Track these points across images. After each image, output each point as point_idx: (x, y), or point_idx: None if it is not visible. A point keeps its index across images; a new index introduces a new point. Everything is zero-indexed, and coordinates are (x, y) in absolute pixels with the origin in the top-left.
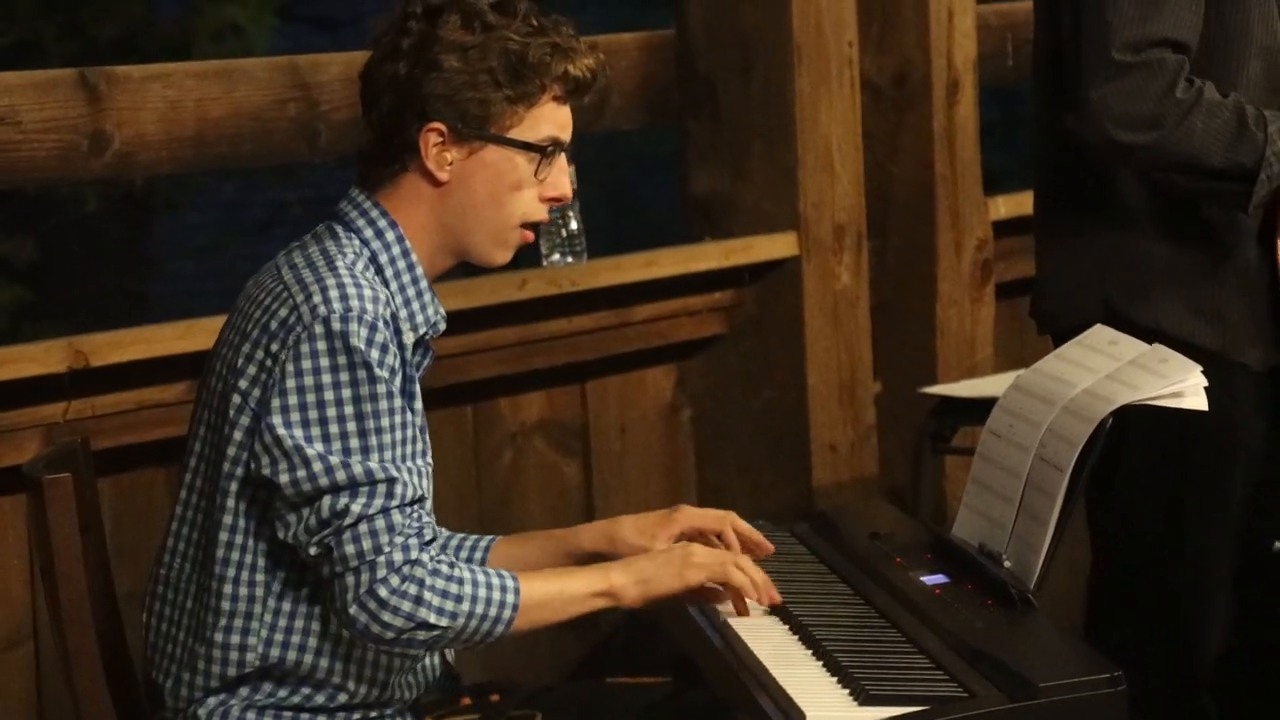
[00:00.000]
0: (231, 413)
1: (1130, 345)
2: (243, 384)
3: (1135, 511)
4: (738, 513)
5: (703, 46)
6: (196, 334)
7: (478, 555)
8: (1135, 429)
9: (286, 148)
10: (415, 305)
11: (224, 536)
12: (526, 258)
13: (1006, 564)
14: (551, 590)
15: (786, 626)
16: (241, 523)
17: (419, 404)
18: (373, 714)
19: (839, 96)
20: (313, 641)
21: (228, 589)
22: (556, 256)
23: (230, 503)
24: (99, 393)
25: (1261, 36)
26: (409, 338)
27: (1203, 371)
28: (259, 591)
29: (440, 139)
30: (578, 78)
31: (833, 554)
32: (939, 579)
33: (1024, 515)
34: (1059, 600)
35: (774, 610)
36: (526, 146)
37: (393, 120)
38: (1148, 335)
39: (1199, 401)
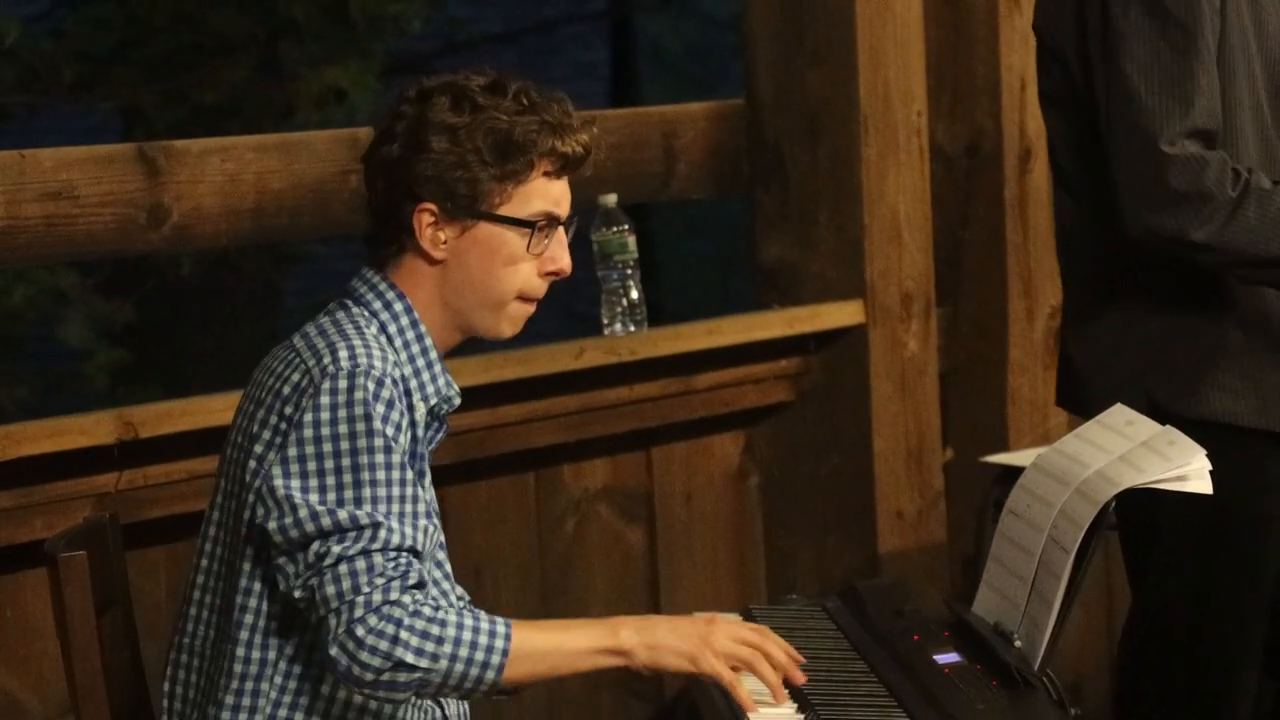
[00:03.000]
0: (248, 478)
1: (1145, 426)
2: (258, 449)
3: (1167, 585)
4: (804, 580)
5: (771, 116)
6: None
7: None
8: (1171, 503)
9: (347, 220)
10: (425, 375)
11: (240, 600)
12: (586, 328)
13: (1017, 644)
14: (551, 641)
15: (795, 705)
16: (257, 585)
17: (428, 480)
18: None
19: (907, 165)
20: (320, 705)
21: (240, 651)
22: (618, 326)
23: (247, 566)
24: (150, 463)
25: (1252, 110)
26: (420, 408)
27: (1239, 448)
28: (271, 655)
29: (433, 219)
30: (567, 154)
31: (858, 630)
32: (951, 658)
33: (1035, 595)
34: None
35: (788, 686)
36: (516, 223)
37: (388, 202)
38: (1193, 426)
39: (1203, 485)
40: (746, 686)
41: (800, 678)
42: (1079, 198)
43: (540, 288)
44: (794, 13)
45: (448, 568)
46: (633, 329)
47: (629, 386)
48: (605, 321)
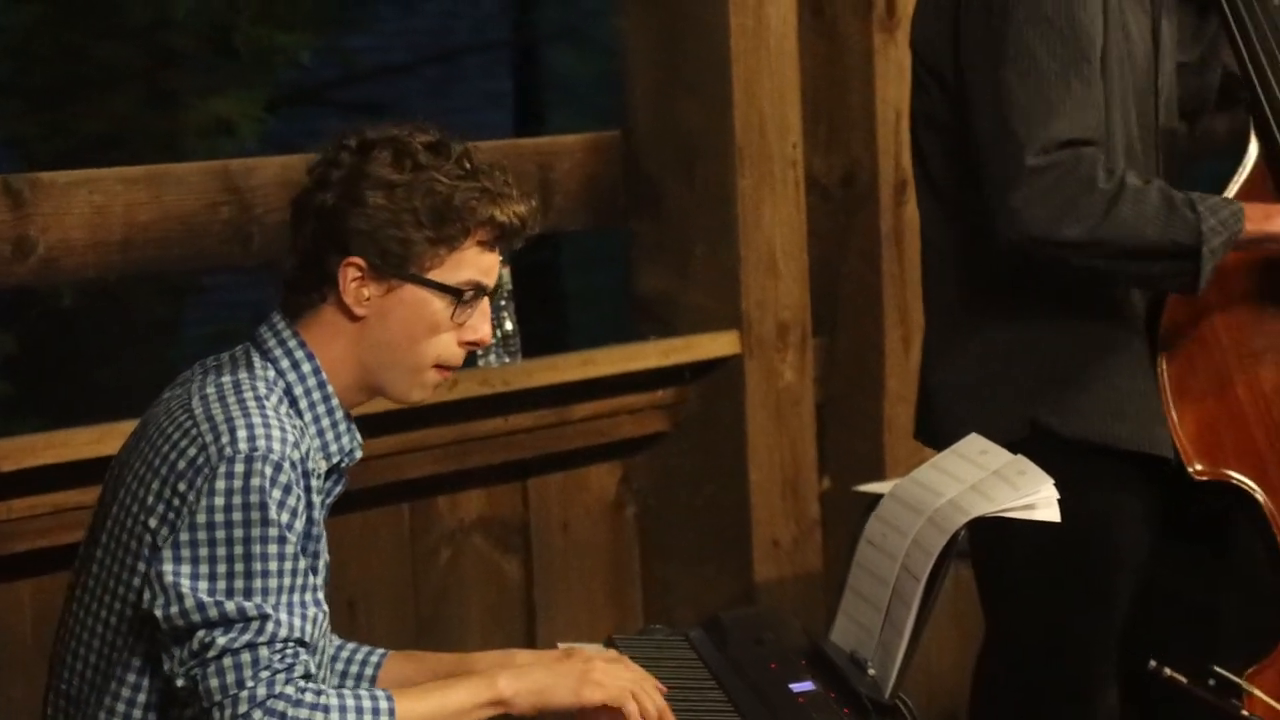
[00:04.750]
0: (135, 545)
1: (997, 455)
2: (152, 522)
3: (1020, 613)
4: (681, 609)
5: (647, 147)
6: (113, 438)
7: (368, 671)
8: (1024, 531)
9: (218, 252)
10: (330, 435)
11: (119, 672)
12: None
13: (871, 672)
14: (431, 705)
15: None
16: (136, 661)
17: (324, 541)
18: None
19: (783, 197)
20: None
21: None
22: (492, 357)
23: (132, 641)
24: (15, 496)
25: (1121, 142)
26: (321, 467)
27: (1097, 477)
28: None
29: (359, 274)
30: (504, 224)
31: (718, 660)
32: (806, 686)
33: (889, 624)
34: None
35: None
36: (444, 289)
37: (315, 250)
38: (1068, 447)
39: (1050, 513)
40: None
41: None
42: (951, 217)
43: (459, 357)
44: (670, 44)
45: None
46: (507, 360)
47: (504, 417)
48: (479, 353)
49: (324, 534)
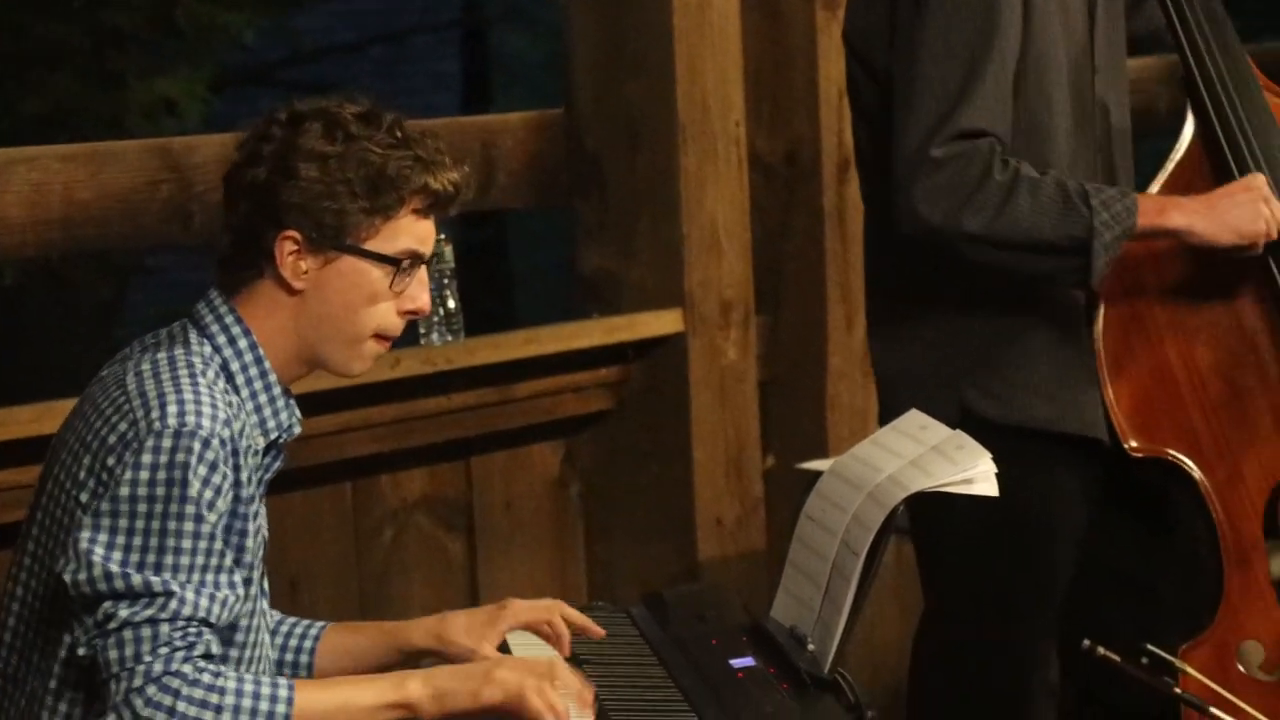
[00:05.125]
0: (68, 520)
1: (936, 431)
2: (83, 496)
3: (959, 590)
4: (625, 587)
5: (590, 126)
6: (53, 416)
7: (308, 643)
8: (964, 508)
9: (158, 230)
10: (267, 411)
11: (52, 649)
12: (402, 337)
13: (810, 647)
14: (336, 700)
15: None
16: (68, 637)
17: (262, 519)
18: None
19: (726, 175)
20: None
21: (49, 701)
22: (435, 335)
23: (64, 615)
24: None
25: (1063, 122)
26: (259, 443)
27: (1038, 453)
28: (78, 711)
29: (295, 248)
30: (438, 192)
31: (660, 636)
32: (746, 662)
33: (828, 599)
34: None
35: None
36: (382, 259)
37: (250, 226)
38: (1000, 430)
39: (989, 488)
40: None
41: (589, 704)
42: (883, 205)
43: (398, 326)
44: (613, 23)
45: (266, 585)
46: (450, 338)
47: (447, 396)
48: (422, 331)
49: (262, 510)
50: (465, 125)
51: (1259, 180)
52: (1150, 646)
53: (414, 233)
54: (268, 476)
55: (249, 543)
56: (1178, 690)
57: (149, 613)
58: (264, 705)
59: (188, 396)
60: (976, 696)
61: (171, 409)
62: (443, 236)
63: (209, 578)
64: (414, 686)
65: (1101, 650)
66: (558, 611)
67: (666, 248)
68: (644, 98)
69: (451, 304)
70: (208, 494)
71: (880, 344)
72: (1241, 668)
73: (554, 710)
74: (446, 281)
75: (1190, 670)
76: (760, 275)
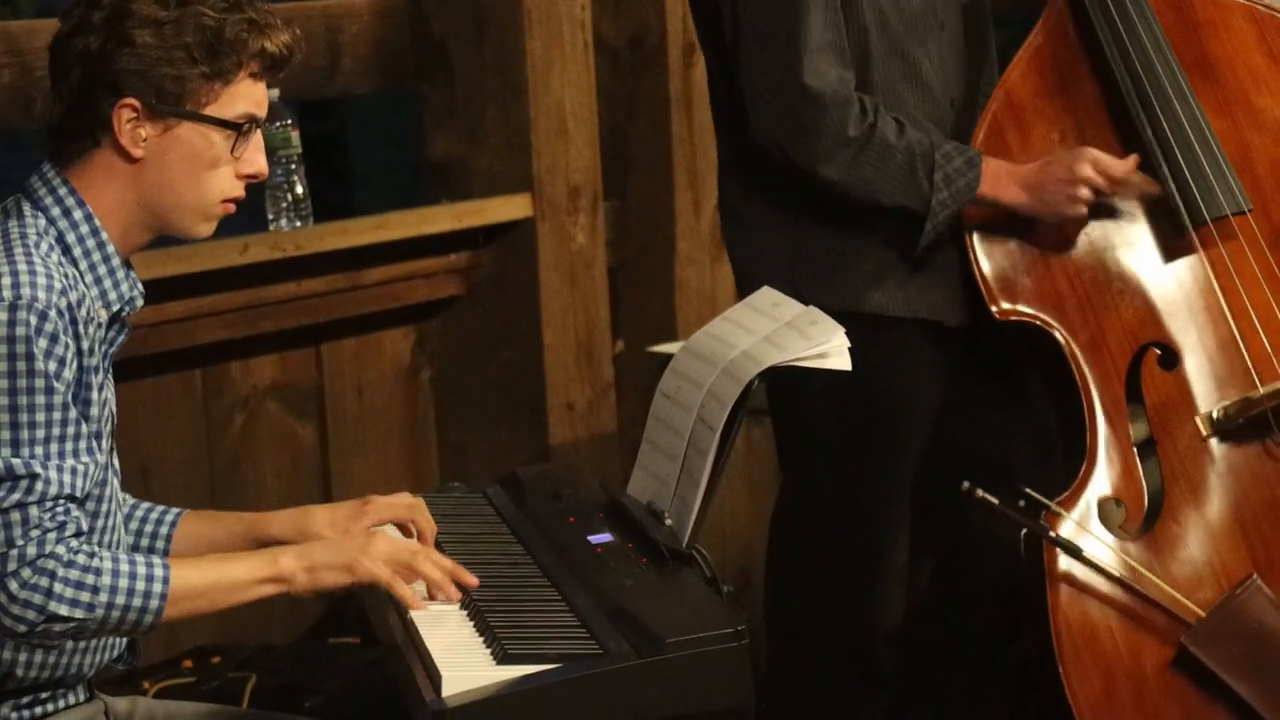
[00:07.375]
0: None
1: (790, 307)
2: None
3: (814, 467)
4: (477, 473)
5: (436, 10)
6: None
7: (164, 529)
8: (817, 386)
9: None
10: (108, 283)
11: None
12: (251, 223)
13: (668, 522)
14: (209, 577)
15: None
16: None
17: (109, 390)
18: (44, 694)
19: (572, 60)
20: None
21: None
22: (284, 221)
23: None
24: None
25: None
26: (102, 316)
27: (883, 334)
28: None
29: (134, 115)
30: (274, 54)
31: (516, 515)
32: (604, 538)
33: (685, 475)
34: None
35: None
36: (223, 124)
37: (84, 95)
38: (839, 317)
39: (843, 362)
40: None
41: (472, 580)
42: (725, 95)
43: (239, 189)
44: None
45: (116, 464)
46: (299, 224)
47: (296, 282)
48: (270, 217)
49: (109, 383)
50: (310, 9)
51: (1083, 164)
52: (1028, 490)
53: (251, 96)
54: (112, 350)
55: (93, 411)
56: (1052, 534)
57: (15, 497)
58: (140, 585)
59: (21, 268)
60: (831, 574)
61: (5, 281)
62: (289, 122)
63: (69, 446)
64: (286, 561)
65: (980, 492)
66: (419, 511)
67: (514, 133)
68: None
69: (299, 190)
70: (52, 365)
71: (727, 234)
72: (1104, 525)
73: (437, 579)
74: (294, 167)
75: (1063, 512)
76: (608, 160)
